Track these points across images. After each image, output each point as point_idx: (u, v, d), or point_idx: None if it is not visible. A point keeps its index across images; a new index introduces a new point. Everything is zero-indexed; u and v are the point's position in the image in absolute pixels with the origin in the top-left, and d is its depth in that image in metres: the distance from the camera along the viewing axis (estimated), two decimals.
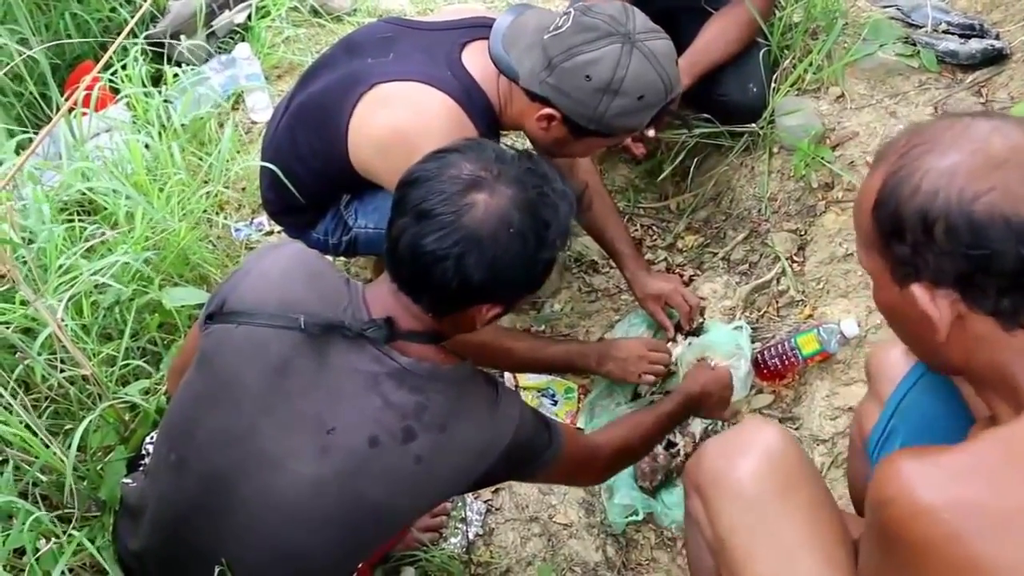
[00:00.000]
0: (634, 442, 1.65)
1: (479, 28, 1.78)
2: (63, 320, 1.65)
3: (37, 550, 1.45)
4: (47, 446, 1.54)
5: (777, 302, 2.30)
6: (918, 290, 0.99)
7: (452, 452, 1.27)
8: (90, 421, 1.58)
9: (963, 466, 0.90)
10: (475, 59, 1.74)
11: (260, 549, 1.28)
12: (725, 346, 2.17)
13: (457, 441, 1.27)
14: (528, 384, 2.23)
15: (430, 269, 1.19)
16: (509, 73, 1.69)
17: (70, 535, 1.49)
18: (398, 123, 1.70)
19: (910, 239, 0.97)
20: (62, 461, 1.53)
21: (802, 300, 2.25)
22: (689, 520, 1.39)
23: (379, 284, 1.31)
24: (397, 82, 1.72)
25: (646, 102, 1.65)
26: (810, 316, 2.18)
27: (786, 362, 2.07)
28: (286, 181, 1.88)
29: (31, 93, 2.53)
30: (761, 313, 2.31)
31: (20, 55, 2.33)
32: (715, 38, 2.36)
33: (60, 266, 1.77)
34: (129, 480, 1.45)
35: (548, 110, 1.68)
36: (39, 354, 1.60)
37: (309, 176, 1.91)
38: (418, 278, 1.23)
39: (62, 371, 1.64)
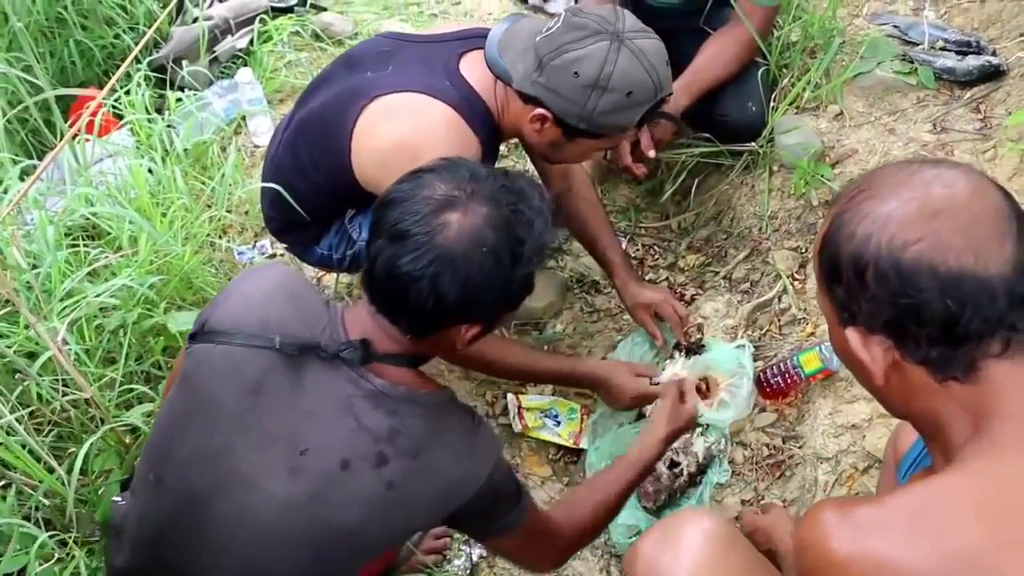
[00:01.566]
0: (600, 520, 1.60)
1: (475, 39, 1.81)
2: (66, 343, 1.66)
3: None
4: (51, 471, 1.55)
5: (779, 320, 2.30)
6: (852, 334, 1.00)
7: (425, 480, 1.26)
8: (91, 444, 1.58)
9: (876, 520, 0.91)
10: (473, 68, 1.76)
11: (232, 569, 1.28)
12: (727, 365, 2.17)
13: (431, 469, 1.26)
14: (531, 404, 2.23)
15: (405, 290, 1.20)
16: (504, 77, 1.71)
17: (71, 555, 1.49)
18: (400, 135, 1.72)
19: (845, 283, 0.98)
20: (64, 485, 1.53)
21: (804, 318, 2.25)
22: None
23: (358, 306, 1.31)
24: (397, 94, 1.74)
25: (635, 99, 1.66)
26: (812, 334, 2.18)
27: (789, 380, 2.07)
28: (288, 197, 1.90)
29: (35, 120, 2.55)
30: (763, 331, 2.31)
31: (24, 82, 2.36)
32: (714, 58, 2.37)
33: (65, 290, 1.78)
34: (119, 499, 1.46)
35: (540, 110, 1.69)
36: (41, 376, 1.61)
37: (312, 191, 1.92)
38: (394, 299, 1.24)
39: (64, 394, 1.64)
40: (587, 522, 1.56)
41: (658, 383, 2.06)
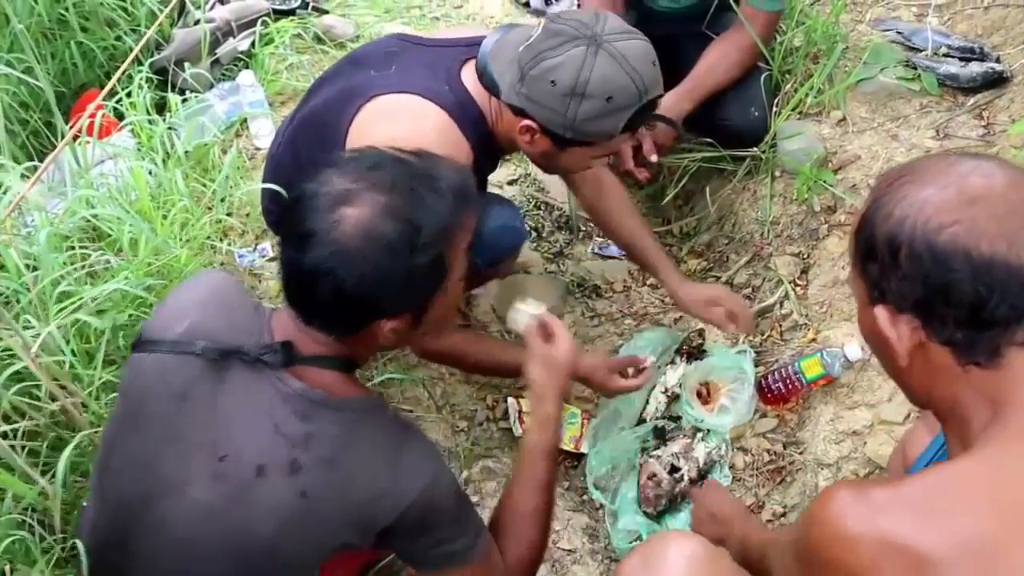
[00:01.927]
0: (543, 533, 1.46)
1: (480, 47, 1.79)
2: (65, 345, 1.66)
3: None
4: (30, 482, 1.54)
5: (780, 326, 2.30)
6: (880, 312, 1.02)
7: (341, 492, 1.22)
8: (70, 451, 1.58)
9: (890, 501, 0.92)
10: (473, 76, 1.75)
11: None
12: (728, 370, 2.17)
13: (347, 481, 1.22)
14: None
15: (310, 289, 1.19)
16: (493, 89, 1.69)
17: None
18: (392, 137, 1.68)
19: (879, 261, 1.01)
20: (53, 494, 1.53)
21: (805, 324, 2.25)
22: None
23: (284, 309, 1.29)
24: (396, 94, 1.73)
25: (616, 104, 1.61)
26: (813, 340, 2.18)
27: (790, 386, 2.07)
28: (286, 195, 1.89)
29: (36, 122, 2.55)
30: (764, 337, 2.31)
31: (25, 84, 2.35)
32: (716, 63, 2.37)
33: (63, 292, 1.78)
34: (86, 503, 1.46)
35: (527, 122, 1.66)
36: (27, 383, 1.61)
37: None
38: (302, 299, 1.23)
39: (54, 399, 1.64)
40: (534, 545, 1.44)
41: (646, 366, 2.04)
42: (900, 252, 0.98)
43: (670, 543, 1.26)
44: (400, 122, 1.70)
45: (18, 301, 1.79)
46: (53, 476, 1.53)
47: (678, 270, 2.22)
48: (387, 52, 1.84)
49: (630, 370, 2.02)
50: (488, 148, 1.79)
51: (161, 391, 1.26)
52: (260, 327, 1.29)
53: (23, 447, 1.59)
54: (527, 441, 1.50)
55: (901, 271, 0.98)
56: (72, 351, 1.72)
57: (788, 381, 2.07)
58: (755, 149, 2.47)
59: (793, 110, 2.44)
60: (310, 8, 3.12)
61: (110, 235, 2.04)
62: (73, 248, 1.99)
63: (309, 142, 1.88)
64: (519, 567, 1.42)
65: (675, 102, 2.36)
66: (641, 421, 2.20)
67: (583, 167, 1.83)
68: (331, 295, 1.18)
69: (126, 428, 1.30)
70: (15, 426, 1.59)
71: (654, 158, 2.33)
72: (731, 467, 2.10)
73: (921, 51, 2.52)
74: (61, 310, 1.74)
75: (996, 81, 2.40)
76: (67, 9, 2.67)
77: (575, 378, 1.80)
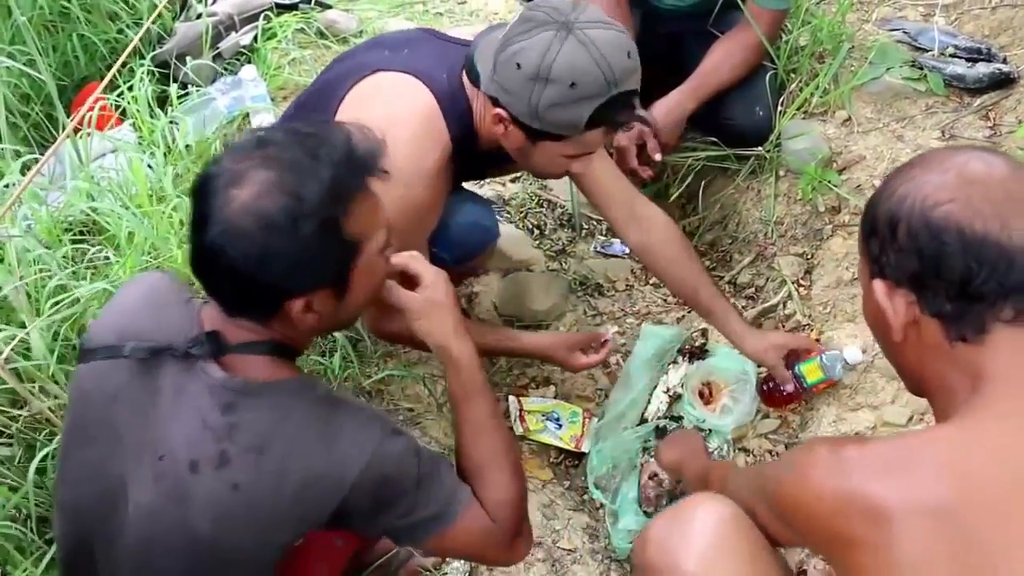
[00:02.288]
0: (509, 482, 1.38)
1: None
2: (47, 345, 1.67)
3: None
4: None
5: (783, 326, 2.28)
6: (879, 285, 1.08)
7: (275, 480, 1.19)
8: (47, 453, 1.58)
9: (858, 458, 1.00)
10: None
11: None
12: (730, 370, 2.16)
13: (279, 468, 1.19)
14: (532, 407, 2.21)
15: (209, 272, 1.19)
16: (475, 81, 1.66)
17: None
18: (382, 110, 1.66)
19: (879, 237, 1.07)
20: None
21: (808, 324, 2.24)
22: None
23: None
24: (395, 72, 1.71)
25: (580, 92, 1.54)
26: (817, 340, 2.17)
27: (792, 389, 2.05)
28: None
29: (38, 114, 2.54)
30: None
31: (27, 76, 2.35)
32: (721, 61, 2.36)
33: (59, 286, 1.78)
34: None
35: (498, 110, 1.62)
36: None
37: None
38: (207, 283, 1.21)
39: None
40: (507, 484, 1.37)
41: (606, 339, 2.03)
42: (899, 228, 1.04)
43: (698, 505, 1.27)
44: (387, 99, 1.69)
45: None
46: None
47: (742, 318, 2.10)
48: (409, 39, 1.84)
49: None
50: (470, 146, 1.75)
51: (98, 399, 1.26)
52: (191, 321, 1.26)
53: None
54: (450, 393, 1.42)
55: (898, 245, 1.04)
56: (61, 350, 1.71)
57: (795, 387, 2.05)
58: (759, 148, 2.45)
59: (798, 110, 2.43)
60: (313, 3, 3.11)
61: (108, 230, 2.03)
62: (78, 242, 1.99)
63: (309, 112, 1.86)
64: (502, 511, 1.35)
65: (679, 100, 2.35)
66: (643, 421, 2.19)
67: (559, 168, 1.74)
68: (227, 277, 1.17)
69: (74, 440, 1.30)
70: None
71: (658, 157, 2.31)
72: None
73: (927, 51, 2.51)
74: (56, 304, 1.73)
75: (1003, 82, 2.39)
76: (69, 2, 2.67)
77: (540, 357, 1.86)
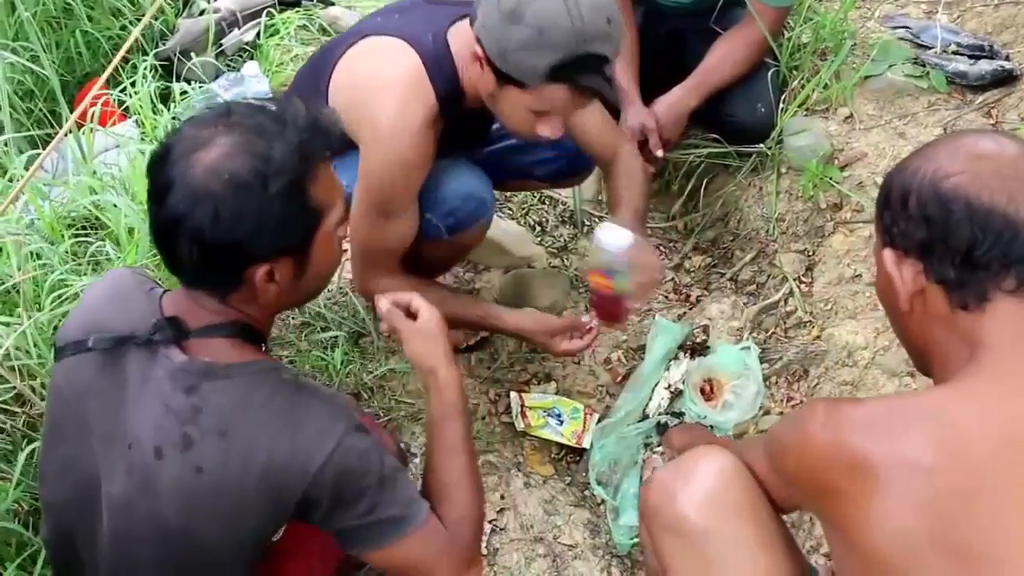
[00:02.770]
0: (471, 503, 1.39)
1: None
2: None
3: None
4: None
5: (785, 323, 2.28)
6: (888, 253, 1.12)
7: (240, 463, 1.18)
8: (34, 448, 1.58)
9: (853, 416, 1.05)
10: (459, 34, 1.72)
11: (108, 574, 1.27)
12: (732, 366, 2.16)
13: (244, 450, 1.18)
14: (534, 403, 2.21)
15: (172, 242, 1.17)
16: (472, 22, 1.64)
17: None
18: (369, 72, 1.73)
19: (891, 208, 1.11)
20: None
21: (810, 321, 2.24)
22: (643, 546, 1.40)
23: (178, 288, 1.28)
24: (383, 36, 1.74)
25: (545, 39, 1.52)
26: (818, 337, 2.17)
27: (602, 299, 1.87)
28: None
29: (41, 110, 2.55)
30: (769, 334, 2.29)
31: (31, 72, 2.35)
32: (723, 58, 2.36)
33: (60, 280, 1.78)
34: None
35: (476, 48, 1.62)
36: None
37: None
38: (172, 257, 1.20)
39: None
40: (469, 505, 1.38)
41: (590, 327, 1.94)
42: (910, 198, 1.08)
43: (702, 456, 1.33)
44: (375, 62, 1.73)
45: (18, 292, 1.79)
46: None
47: (637, 220, 1.98)
48: (401, 7, 1.85)
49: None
50: (457, 105, 1.75)
51: (69, 395, 1.26)
52: (154, 310, 1.26)
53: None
54: (429, 414, 1.44)
55: (908, 214, 1.08)
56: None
57: (596, 294, 1.89)
58: (761, 145, 2.45)
59: (800, 107, 2.43)
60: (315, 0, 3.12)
61: (110, 225, 2.04)
62: (79, 236, 2.00)
63: (305, 80, 1.89)
64: (462, 528, 1.36)
65: (681, 97, 2.35)
66: (644, 417, 2.19)
67: (525, 123, 1.69)
68: (192, 244, 1.15)
69: (50, 438, 1.31)
70: None
71: (660, 153, 2.32)
72: None
73: (930, 48, 2.51)
74: (59, 298, 1.74)
75: (1005, 79, 2.39)
76: None
77: (520, 338, 1.89)
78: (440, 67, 1.71)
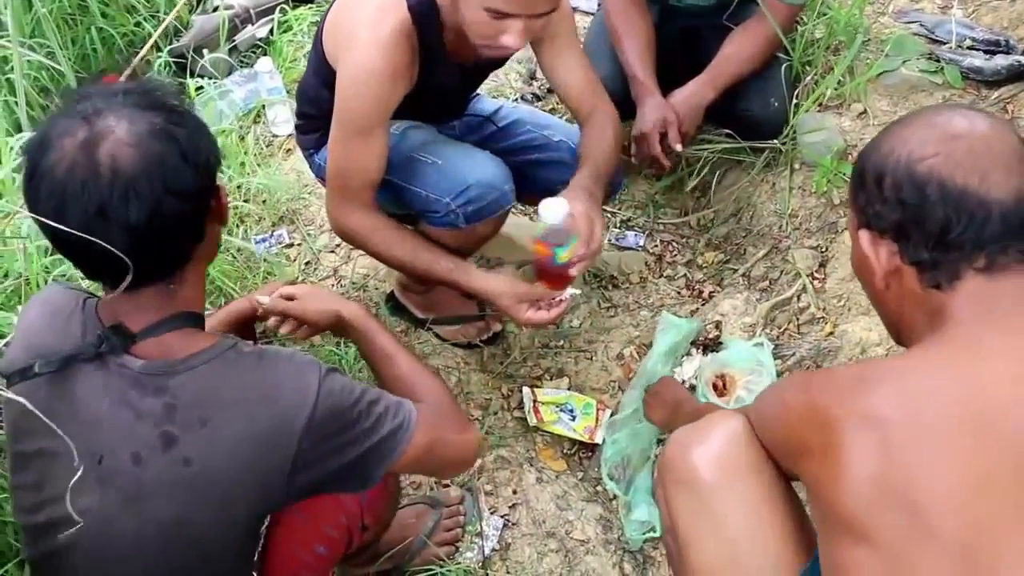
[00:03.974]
0: (433, 384, 1.49)
1: None
2: None
3: None
4: None
5: (798, 319, 2.28)
6: (864, 234, 1.15)
7: (227, 445, 1.18)
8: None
9: (823, 381, 1.16)
10: None
11: None
12: (745, 362, 2.15)
13: (228, 431, 1.18)
14: (546, 399, 2.22)
15: (103, 241, 1.10)
16: None
17: None
18: (357, 21, 1.75)
19: (867, 190, 1.14)
20: None
21: (823, 317, 2.23)
22: (658, 505, 1.44)
23: (108, 294, 1.23)
24: None
25: None
26: (831, 333, 2.16)
27: (542, 267, 1.88)
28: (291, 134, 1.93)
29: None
30: (781, 330, 2.29)
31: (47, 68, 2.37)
32: (737, 53, 2.35)
33: (75, 276, 1.79)
34: None
35: None
36: None
37: (311, 93, 1.97)
38: (96, 262, 1.14)
39: None
40: (433, 387, 1.48)
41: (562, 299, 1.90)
42: (884, 181, 1.11)
43: (717, 419, 1.37)
44: (366, 10, 1.74)
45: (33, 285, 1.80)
46: None
47: (588, 181, 1.95)
48: None
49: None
50: (431, 20, 1.76)
51: (23, 424, 1.24)
52: (92, 322, 1.24)
53: None
54: (359, 345, 1.56)
55: (883, 197, 1.11)
56: None
57: (539, 262, 1.88)
58: (775, 141, 2.45)
59: (813, 102, 2.43)
60: None
61: None
62: None
63: (317, 48, 1.92)
64: (440, 405, 1.44)
65: (697, 90, 2.35)
66: None
67: (486, 29, 1.67)
68: (129, 238, 1.11)
69: (13, 466, 1.29)
70: None
71: (678, 147, 2.31)
72: None
73: (945, 43, 2.50)
74: None
75: (1021, 74, 2.38)
76: None
77: (485, 299, 1.93)
78: (424, 14, 1.72)
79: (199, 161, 1.17)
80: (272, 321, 1.62)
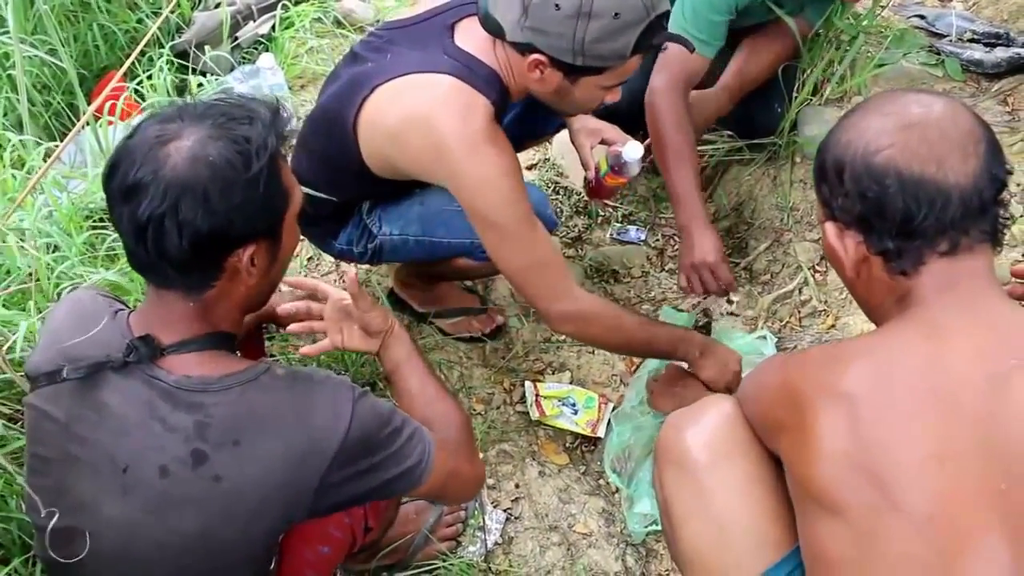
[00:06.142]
0: (456, 415, 1.51)
1: (466, 6, 1.75)
2: None
3: None
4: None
5: (800, 312, 2.28)
6: (829, 227, 1.17)
7: (259, 465, 1.19)
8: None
9: (798, 360, 1.22)
10: (467, 35, 1.71)
11: None
12: (749, 354, 2.15)
13: (261, 452, 1.19)
14: (549, 393, 2.22)
15: (157, 239, 1.14)
16: (497, 32, 1.65)
17: None
18: (408, 109, 1.69)
19: (828, 182, 1.16)
20: None
21: (824, 310, 2.23)
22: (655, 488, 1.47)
23: (143, 304, 1.27)
24: (397, 79, 1.71)
25: (624, 20, 1.56)
26: (832, 326, 2.17)
27: (592, 176, 2.14)
28: (308, 192, 1.87)
29: (59, 103, 2.57)
30: (783, 323, 2.29)
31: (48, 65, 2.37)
32: (756, 61, 2.34)
33: (75, 273, 1.80)
34: None
35: (535, 56, 1.61)
36: None
37: (325, 187, 1.89)
38: (154, 258, 1.17)
39: None
40: (455, 419, 1.49)
41: None
42: (844, 173, 1.12)
43: (711, 402, 1.41)
44: (411, 97, 1.69)
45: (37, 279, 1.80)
46: None
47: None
48: (378, 44, 1.82)
49: None
50: (505, 97, 1.74)
51: (48, 427, 1.24)
52: (119, 331, 1.24)
53: None
54: (391, 360, 1.55)
55: (844, 190, 1.12)
56: None
57: (595, 178, 2.13)
58: (772, 137, 2.45)
59: (814, 95, 2.42)
60: None
61: None
62: (96, 228, 2.01)
63: (318, 137, 1.88)
64: (456, 436, 1.46)
65: (715, 97, 2.34)
66: None
67: (596, 99, 1.74)
68: (180, 235, 1.13)
69: (32, 468, 1.29)
70: None
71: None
72: None
73: (945, 36, 2.50)
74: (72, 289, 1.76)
75: (1022, 67, 2.37)
76: None
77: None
78: (476, 75, 1.68)
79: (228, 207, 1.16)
80: (298, 326, 1.58)
